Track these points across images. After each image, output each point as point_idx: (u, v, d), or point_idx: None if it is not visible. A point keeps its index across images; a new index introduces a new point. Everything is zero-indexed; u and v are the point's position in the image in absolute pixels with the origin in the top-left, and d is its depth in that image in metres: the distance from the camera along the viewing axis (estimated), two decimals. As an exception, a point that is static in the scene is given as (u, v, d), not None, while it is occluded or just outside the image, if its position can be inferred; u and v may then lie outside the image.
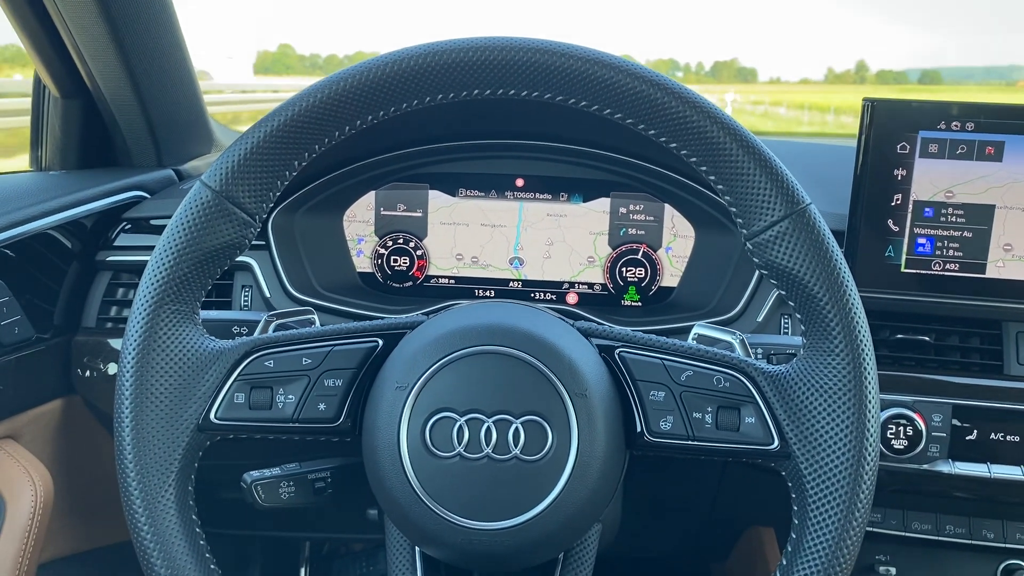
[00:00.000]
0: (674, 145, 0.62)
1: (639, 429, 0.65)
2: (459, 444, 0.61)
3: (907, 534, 1.03)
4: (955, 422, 0.94)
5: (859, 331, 0.61)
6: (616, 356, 0.67)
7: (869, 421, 0.60)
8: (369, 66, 0.61)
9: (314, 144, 0.63)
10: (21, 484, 0.94)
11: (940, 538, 1.02)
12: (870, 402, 0.61)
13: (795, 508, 0.63)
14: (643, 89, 0.60)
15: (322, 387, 0.66)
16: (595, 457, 0.62)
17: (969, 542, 1.01)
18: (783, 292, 0.63)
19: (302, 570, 1.56)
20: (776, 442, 0.63)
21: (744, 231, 0.62)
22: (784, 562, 0.62)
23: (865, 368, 0.61)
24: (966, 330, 0.98)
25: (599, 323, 0.71)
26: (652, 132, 0.62)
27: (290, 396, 0.66)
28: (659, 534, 1.22)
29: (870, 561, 1.09)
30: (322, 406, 0.66)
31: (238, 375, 0.66)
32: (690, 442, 0.64)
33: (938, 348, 0.98)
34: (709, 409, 0.64)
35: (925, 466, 0.94)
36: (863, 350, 0.61)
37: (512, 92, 0.62)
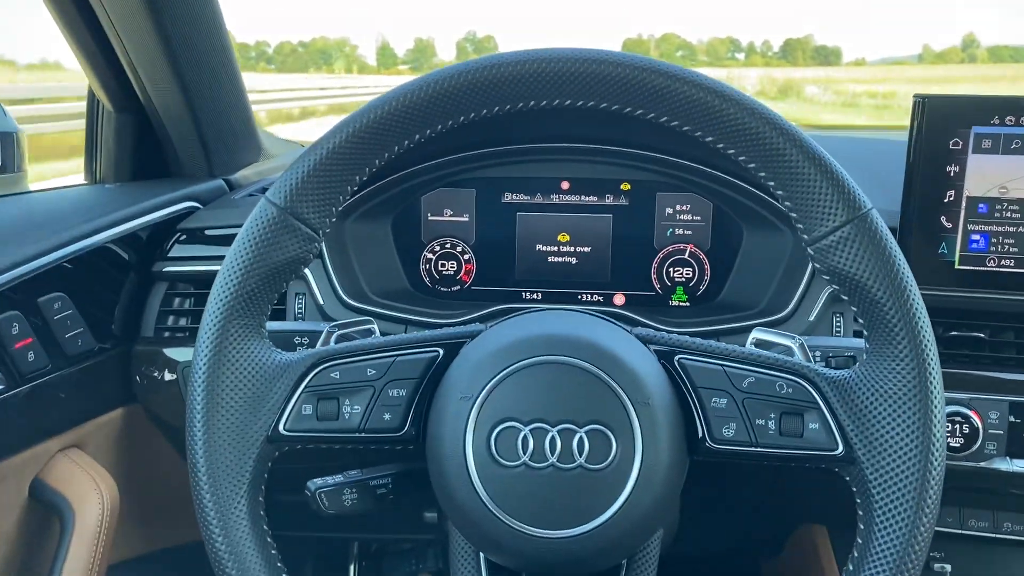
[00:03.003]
0: (732, 151, 0.62)
1: (701, 435, 0.66)
2: (524, 453, 0.62)
3: (964, 532, 1.02)
4: (1012, 419, 0.93)
5: (923, 335, 0.61)
6: (676, 363, 0.67)
7: (935, 426, 0.60)
8: (428, 81, 0.62)
9: (375, 159, 0.65)
10: (88, 491, 0.97)
11: (998, 535, 1.01)
12: (935, 407, 0.61)
13: (860, 513, 0.63)
14: (698, 95, 0.61)
15: (387, 397, 0.68)
16: (659, 465, 0.63)
17: (1028, 539, 1.01)
18: (846, 297, 0.63)
19: (352, 567, 1.59)
20: (840, 447, 0.63)
21: (805, 236, 0.63)
22: (851, 567, 0.62)
23: (930, 373, 0.61)
24: (1022, 326, 0.97)
25: (656, 328, 0.71)
26: (709, 139, 0.62)
27: (356, 407, 0.67)
28: (711, 532, 1.23)
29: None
30: (387, 416, 0.67)
31: (305, 387, 0.67)
32: (753, 448, 0.65)
33: (993, 345, 0.98)
34: (772, 415, 0.65)
35: (982, 464, 0.94)
36: (928, 354, 0.61)
37: (568, 102, 0.63)
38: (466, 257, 1.12)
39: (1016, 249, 0.92)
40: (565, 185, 1.10)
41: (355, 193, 1.07)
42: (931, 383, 0.61)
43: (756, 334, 0.75)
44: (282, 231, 0.64)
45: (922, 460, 0.60)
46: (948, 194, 0.92)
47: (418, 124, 0.63)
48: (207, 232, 1.10)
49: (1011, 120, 0.90)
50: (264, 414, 0.66)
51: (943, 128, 0.91)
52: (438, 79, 0.62)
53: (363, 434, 0.68)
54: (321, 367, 0.68)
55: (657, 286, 1.10)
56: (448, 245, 1.12)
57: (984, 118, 0.90)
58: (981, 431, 0.92)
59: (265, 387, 0.67)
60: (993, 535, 1.01)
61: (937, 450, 0.61)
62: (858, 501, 0.64)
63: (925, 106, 0.91)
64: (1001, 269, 0.93)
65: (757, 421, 0.65)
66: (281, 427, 0.67)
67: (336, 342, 0.76)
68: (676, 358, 0.67)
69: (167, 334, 1.08)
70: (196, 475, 0.65)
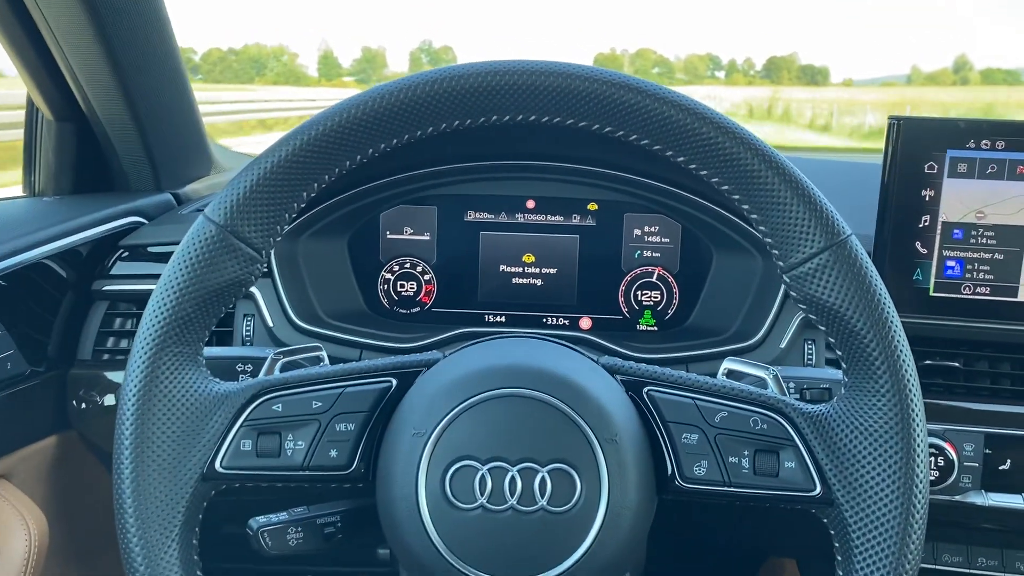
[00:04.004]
0: (704, 172, 0.59)
1: (670, 473, 0.62)
2: (481, 495, 0.58)
3: (937, 567, 0.99)
4: (987, 451, 0.91)
5: (905, 369, 0.57)
6: (644, 395, 0.63)
7: (918, 466, 0.57)
8: (382, 92, 0.58)
9: (324, 174, 0.60)
10: (14, 527, 0.90)
11: (972, 571, 0.98)
12: (918, 445, 0.57)
13: (839, 558, 0.59)
14: (672, 114, 0.57)
15: (333, 432, 0.63)
16: (626, 507, 0.59)
17: (1002, 575, 0.98)
18: (823, 328, 0.60)
19: None
20: (818, 488, 0.59)
21: (781, 263, 0.59)
22: None
23: (912, 408, 0.57)
24: (995, 355, 0.95)
25: (624, 356, 0.67)
26: (682, 159, 0.59)
27: (300, 442, 0.62)
28: (676, 570, 1.19)
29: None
30: (334, 452, 0.62)
31: (244, 420, 0.62)
32: (726, 488, 0.61)
33: (967, 374, 0.95)
34: (746, 453, 0.61)
35: (957, 497, 0.90)
36: (910, 389, 0.57)
37: (533, 118, 0.59)
38: (426, 278, 1.08)
39: (992, 276, 0.90)
40: (531, 204, 1.06)
41: (306, 210, 1.02)
42: (913, 419, 0.57)
43: (728, 364, 0.71)
44: (221, 251, 0.59)
45: (904, 502, 0.57)
46: (923, 219, 0.90)
47: (372, 138, 0.59)
48: (151, 249, 1.04)
49: (987, 144, 0.87)
50: (199, 450, 0.61)
51: (918, 151, 0.88)
52: (395, 89, 0.58)
53: (307, 472, 0.62)
54: (262, 399, 0.62)
55: (624, 310, 1.06)
56: (408, 265, 1.07)
57: (960, 141, 0.88)
58: (956, 464, 0.89)
59: (200, 420, 0.61)
60: (967, 570, 0.98)
61: (920, 491, 0.57)
62: (836, 545, 0.60)
63: (900, 128, 0.88)
64: (976, 296, 0.91)
65: (730, 459, 0.61)
66: (217, 464, 0.61)
67: (282, 370, 0.71)
68: (645, 390, 0.63)
69: (106, 356, 1.02)
70: (123, 517, 0.60)
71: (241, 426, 0.62)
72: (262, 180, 0.58)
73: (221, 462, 0.61)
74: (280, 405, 0.62)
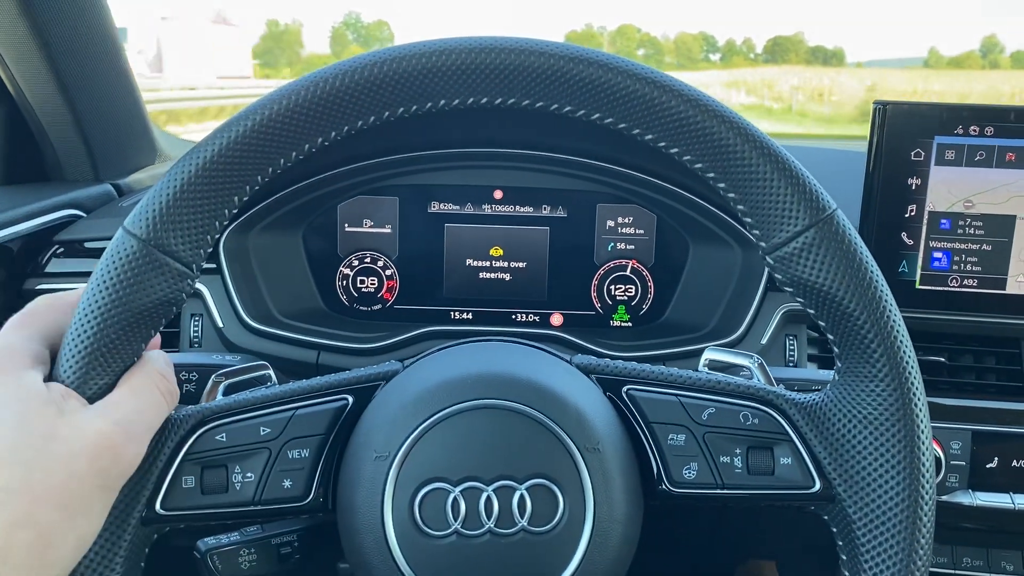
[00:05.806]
0: (675, 151, 0.53)
1: (657, 478, 0.57)
2: (455, 519, 0.52)
3: (921, 568, 0.96)
4: (974, 449, 0.88)
5: (903, 350, 0.53)
6: (624, 395, 0.58)
7: (922, 453, 0.53)
8: (317, 79, 0.51)
9: (257, 175, 0.52)
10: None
11: (957, 572, 0.96)
12: (921, 432, 0.53)
13: (844, 558, 0.55)
14: (634, 87, 0.51)
15: (286, 460, 0.56)
16: (615, 521, 0.54)
17: (987, 575, 0.95)
18: (812, 311, 0.55)
19: None
20: (817, 484, 0.55)
21: (763, 244, 0.54)
22: None
23: (913, 393, 0.53)
24: (980, 349, 0.92)
25: (599, 355, 0.62)
26: (649, 137, 0.53)
27: (249, 474, 0.56)
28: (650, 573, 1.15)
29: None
30: (287, 483, 0.56)
31: (186, 454, 0.55)
32: (719, 491, 0.56)
33: (951, 369, 0.92)
34: (738, 451, 0.56)
35: (944, 497, 0.87)
36: (909, 372, 0.53)
37: (484, 100, 0.53)
38: (388, 273, 1.01)
39: (979, 268, 0.87)
40: (498, 194, 1.00)
41: (257, 201, 0.95)
42: (915, 404, 0.53)
43: (709, 354, 0.66)
44: (146, 269, 0.51)
45: (911, 493, 0.52)
46: (909, 208, 0.86)
47: (313, 129, 0.51)
48: (89, 244, 0.96)
49: (975, 130, 0.84)
50: (135, 490, 0.54)
51: (904, 138, 0.85)
52: (336, 74, 0.51)
53: (259, 507, 0.56)
54: (204, 428, 0.55)
55: (597, 305, 1.01)
56: (368, 259, 1.01)
57: (947, 127, 0.84)
58: (944, 462, 0.86)
59: None
60: (952, 571, 0.96)
61: (927, 481, 0.53)
62: (840, 543, 0.56)
63: (885, 114, 0.85)
64: (964, 289, 0.87)
65: (722, 459, 0.56)
66: (158, 505, 0.54)
67: (225, 394, 0.64)
68: (624, 389, 0.58)
69: (41, 362, 0.94)
70: None
71: (182, 461, 0.55)
72: (188, 185, 0.51)
73: (162, 503, 0.54)
74: (224, 434, 0.56)
